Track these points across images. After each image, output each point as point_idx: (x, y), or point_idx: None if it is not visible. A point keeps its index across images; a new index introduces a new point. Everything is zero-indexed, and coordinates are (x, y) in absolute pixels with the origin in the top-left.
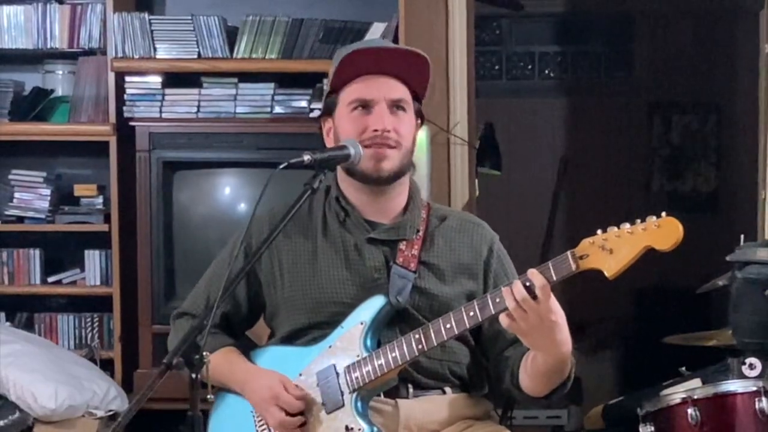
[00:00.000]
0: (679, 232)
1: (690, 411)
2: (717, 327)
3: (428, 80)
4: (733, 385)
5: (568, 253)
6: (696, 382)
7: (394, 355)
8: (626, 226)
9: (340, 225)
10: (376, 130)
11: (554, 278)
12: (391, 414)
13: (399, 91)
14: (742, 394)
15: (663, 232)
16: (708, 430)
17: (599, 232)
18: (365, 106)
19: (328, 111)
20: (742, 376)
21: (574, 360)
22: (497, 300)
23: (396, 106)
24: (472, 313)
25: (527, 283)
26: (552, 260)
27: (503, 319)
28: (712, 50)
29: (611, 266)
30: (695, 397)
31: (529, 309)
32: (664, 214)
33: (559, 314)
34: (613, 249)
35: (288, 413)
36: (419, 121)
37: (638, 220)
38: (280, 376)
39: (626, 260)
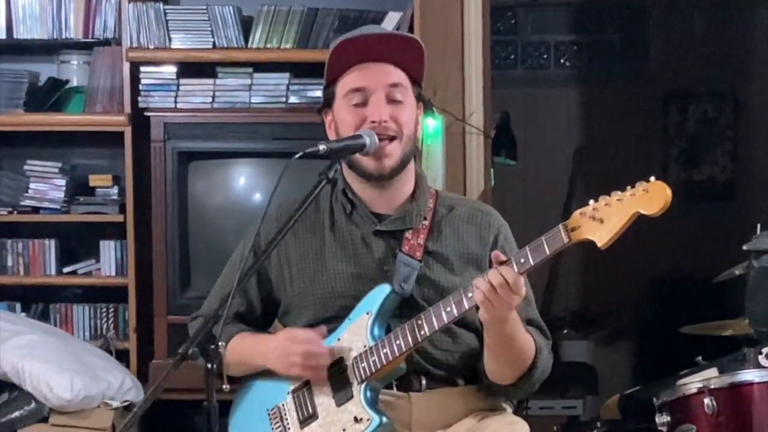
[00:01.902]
0: (666, 195)
1: (706, 400)
2: (733, 316)
3: (424, 63)
4: (749, 375)
5: (560, 226)
6: (712, 372)
7: (398, 342)
8: (616, 194)
9: (347, 218)
10: (374, 122)
11: (548, 252)
12: (404, 408)
13: (395, 75)
14: (758, 383)
15: (651, 196)
16: (724, 419)
17: (591, 202)
18: (362, 95)
19: (328, 103)
20: (759, 366)
21: (542, 350)
22: None
23: (394, 91)
24: (470, 294)
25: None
26: (544, 234)
27: (478, 295)
28: (728, 39)
29: (602, 236)
30: (711, 386)
31: (504, 294)
32: (653, 178)
33: (522, 297)
34: (603, 218)
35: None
36: (421, 105)
37: (628, 187)
38: (285, 330)
39: (616, 228)
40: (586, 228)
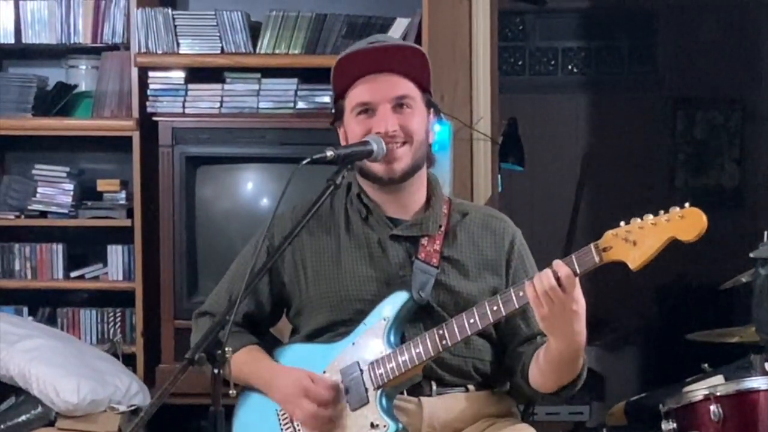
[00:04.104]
0: (703, 222)
1: (712, 408)
2: (740, 324)
3: (429, 71)
4: (755, 382)
5: (592, 245)
6: (718, 379)
7: (417, 350)
8: (650, 217)
9: (363, 222)
10: (379, 133)
11: (578, 271)
12: (415, 413)
13: (401, 87)
14: (764, 391)
15: (687, 222)
16: (730, 426)
17: (622, 223)
18: (369, 108)
19: (339, 116)
20: (765, 373)
21: (587, 359)
22: (521, 294)
23: (400, 103)
24: (495, 308)
25: (556, 275)
26: (575, 253)
27: (530, 292)
28: (736, 45)
29: (635, 258)
30: (718, 393)
31: (555, 297)
32: (687, 204)
33: (580, 305)
34: (636, 241)
35: (318, 405)
36: (431, 111)
37: (661, 211)
38: (307, 371)
39: (650, 252)
40: (618, 249)
